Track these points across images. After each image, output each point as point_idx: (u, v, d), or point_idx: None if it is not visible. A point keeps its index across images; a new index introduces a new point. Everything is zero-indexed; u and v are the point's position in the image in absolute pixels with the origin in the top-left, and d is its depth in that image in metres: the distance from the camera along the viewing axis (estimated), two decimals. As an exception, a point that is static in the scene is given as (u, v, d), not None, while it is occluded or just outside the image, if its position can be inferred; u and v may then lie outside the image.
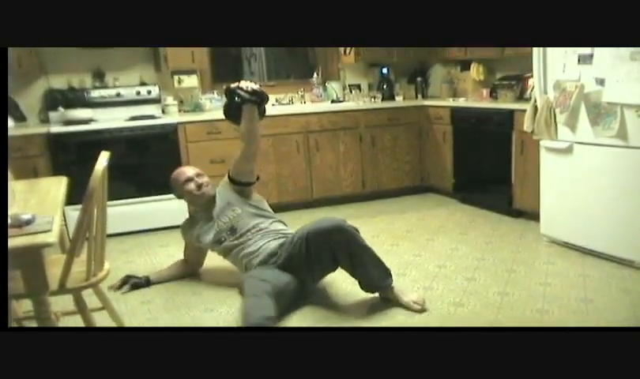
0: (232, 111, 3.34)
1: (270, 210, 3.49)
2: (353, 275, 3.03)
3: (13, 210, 2.12)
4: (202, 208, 3.42)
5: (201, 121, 4.94)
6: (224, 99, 3.45)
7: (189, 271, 3.67)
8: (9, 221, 1.98)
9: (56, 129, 4.53)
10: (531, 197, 4.35)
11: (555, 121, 3.80)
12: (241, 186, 3.40)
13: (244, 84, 3.30)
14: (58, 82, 5.01)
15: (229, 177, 3.41)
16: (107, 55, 5.10)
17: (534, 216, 4.31)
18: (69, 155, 4.45)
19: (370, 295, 3.12)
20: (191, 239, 3.49)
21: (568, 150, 3.75)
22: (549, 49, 3.78)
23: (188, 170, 3.48)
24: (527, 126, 4.05)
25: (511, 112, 4.57)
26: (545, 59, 3.82)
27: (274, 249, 3.15)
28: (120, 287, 3.47)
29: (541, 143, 3.97)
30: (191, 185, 3.38)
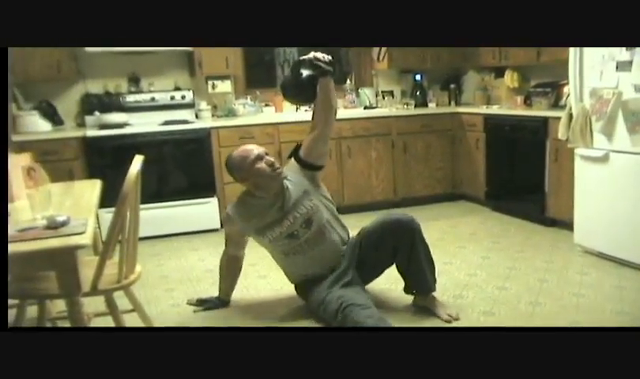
0: (303, 86, 2.90)
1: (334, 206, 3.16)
2: (405, 271, 2.97)
3: (48, 212, 2.18)
4: (271, 194, 2.90)
5: (234, 127, 4.99)
6: (291, 77, 3.02)
7: (240, 269, 3.25)
8: (46, 223, 2.03)
9: (92, 132, 4.64)
10: (565, 205, 4.26)
11: (591, 128, 3.72)
12: (313, 170, 3.00)
13: (319, 54, 2.93)
14: (95, 87, 5.13)
15: (298, 159, 2.99)
16: (142, 60, 5.20)
17: (568, 225, 4.22)
18: (104, 159, 4.55)
19: (401, 303, 3.10)
20: (245, 230, 3.01)
21: (604, 158, 3.66)
22: (586, 55, 3.71)
23: (256, 148, 2.90)
24: (562, 134, 3.98)
25: (545, 120, 4.49)
26: (582, 66, 3.74)
27: (340, 253, 2.98)
28: (195, 304, 3.24)
29: (576, 151, 3.90)
30: (263, 165, 2.83)
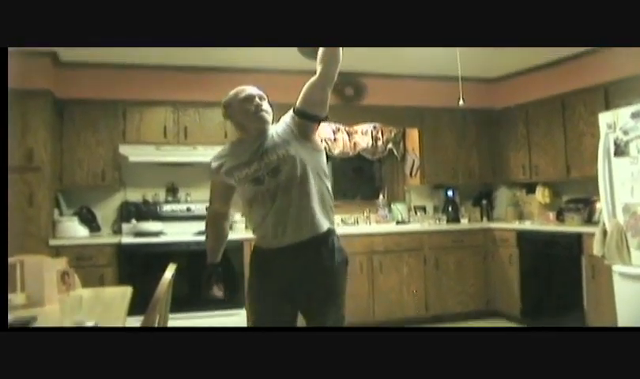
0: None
1: (326, 171, 2.73)
2: None
3: (78, 317, 2.20)
4: (251, 136, 2.67)
5: (266, 238, 5.04)
6: None
7: (225, 227, 2.98)
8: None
9: (126, 240, 4.75)
10: (607, 324, 4.08)
11: (628, 245, 3.65)
12: (307, 120, 2.67)
13: None
14: (134, 195, 5.32)
15: (294, 109, 2.70)
16: (181, 171, 5.41)
17: (610, 347, 4.02)
18: (136, 267, 4.61)
19: None
20: (220, 171, 2.72)
21: (644, 277, 3.55)
22: (615, 172, 3.72)
23: (251, 89, 2.72)
24: (597, 250, 3.90)
25: (579, 235, 4.42)
26: (612, 182, 3.74)
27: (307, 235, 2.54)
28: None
29: (614, 268, 3.80)
30: (249, 106, 2.64)
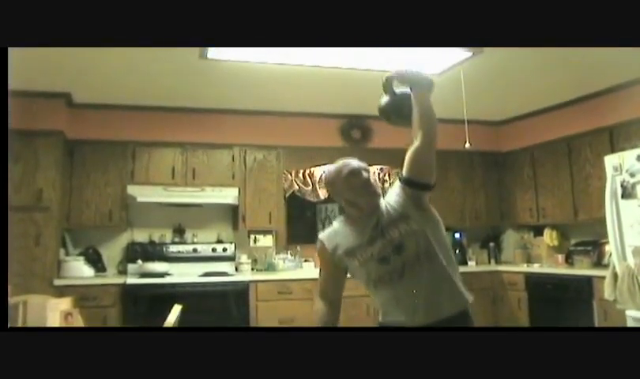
0: (399, 104, 2.64)
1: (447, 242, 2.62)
2: None
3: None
4: (364, 213, 2.57)
5: (273, 281, 5.01)
6: (387, 111, 2.75)
7: (336, 315, 2.71)
8: None
9: (132, 280, 4.73)
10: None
11: None
12: (418, 189, 2.56)
13: (407, 69, 2.61)
14: (141, 236, 5.32)
15: (402, 179, 2.58)
16: (189, 212, 5.42)
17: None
18: (140, 307, 4.58)
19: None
20: (337, 253, 2.60)
21: (656, 321, 3.49)
22: (623, 215, 3.69)
23: (353, 162, 2.59)
24: (608, 294, 3.84)
25: (589, 279, 4.37)
26: (620, 224, 3.71)
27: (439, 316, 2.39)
28: None
29: (627, 313, 3.73)
30: (356, 181, 2.53)
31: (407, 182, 2.49)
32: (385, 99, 2.68)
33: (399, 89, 2.61)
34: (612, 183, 3.83)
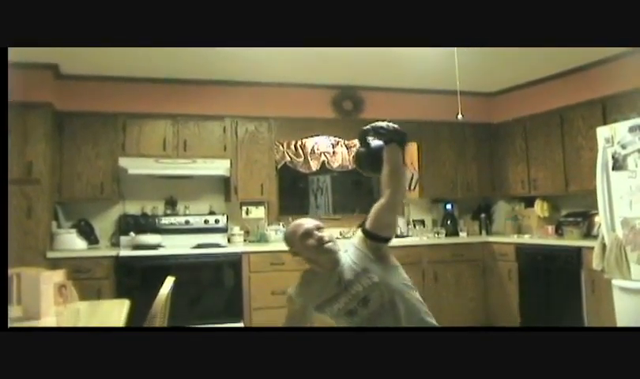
0: (371, 156, 2.81)
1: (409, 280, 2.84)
2: None
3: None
4: (326, 269, 2.79)
5: (266, 252, 5.04)
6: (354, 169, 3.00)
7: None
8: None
9: (124, 252, 4.74)
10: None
11: (627, 259, 3.64)
12: (379, 242, 2.78)
13: (384, 123, 2.85)
14: (133, 208, 5.31)
15: (365, 231, 2.80)
16: (180, 184, 5.41)
17: (610, 362, 3.99)
18: (134, 279, 4.59)
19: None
20: (305, 307, 2.86)
21: (643, 291, 3.54)
22: (613, 186, 3.72)
23: (307, 222, 2.80)
24: (596, 265, 3.89)
25: (579, 249, 4.42)
26: (610, 196, 3.74)
27: None
28: None
29: (613, 282, 3.79)
30: (311, 241, 2.73)
31: (370, 236, 2.69)
32: (360, 149, 2.84)
33: (374, 142, 2.75)
34: (604, 155, 3.85)
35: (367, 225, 2.73)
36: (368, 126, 2.81)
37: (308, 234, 2.69)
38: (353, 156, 3.00)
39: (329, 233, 2.73)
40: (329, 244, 2.68)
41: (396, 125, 2.79)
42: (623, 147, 3.68)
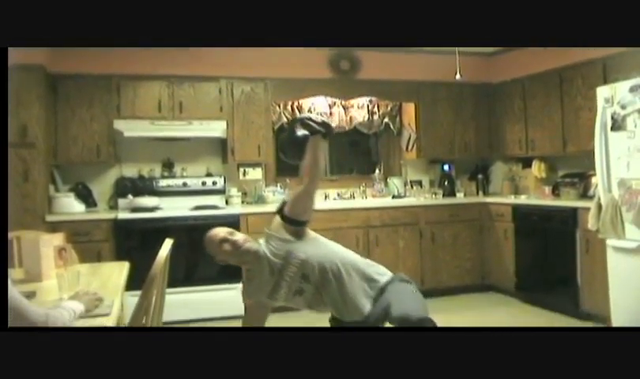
0: (296, 144, 3.03)
1: (332, 244, 3.10)
2: None
3: (76, 292, 2.21)
4: (254, 265, 3.00)
5: (264, 213, 5.05)
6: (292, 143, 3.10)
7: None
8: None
9: (123, 215, 4.75)
10: (600, 298, 4.12)
11: (622, 219, 3.67)
12: (298, 226, 3.02)
13: (314, 115, 3.11)
14: (130, 171, 5.29)
15: (283, 216, 3.03)
16: (177, 146, 5.38)
17: (604, 320, 4.06)
18: (133, 241, 4.62)
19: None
20: (260, 299, 3.05)
21: (638, 250, 3.58)
22: (611, 147, 3.72)
23: (219, 232, 3.00)
24: (591, 225, 3.92)
25: (575, 210, 4.44)
26: (608, 157, 3.74)
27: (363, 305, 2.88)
28: None
29: (607, 242, 3.82)
30: (227, 246, 2.92)
31: (288, 221, 2.95)
32: (286, 136, 3.10)
33: (300, 131, 2.97)
34: (603, 115, 3.83)
35: (287, 211, 2.96)
36: (298, 117, 3.08)
37: (223, 241, 2.89)
38: (279, 142, 3.30)
39: (242, 235, 2.94)
40: (246, 245, 2.89)
41: (324, 118, 3.08)
42: (623, 107, 3.66)
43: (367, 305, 2.87)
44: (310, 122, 2.99)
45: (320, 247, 3.01)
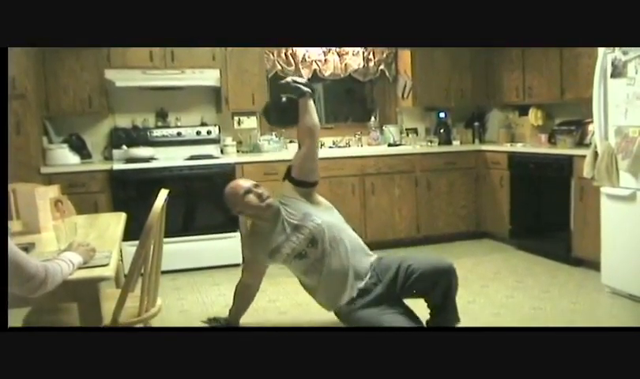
0: (288, 110, 3.06)
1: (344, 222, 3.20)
2: (432, 307, 2.91)
3: (69, 243, 2.21)
4: (269, 221, 3.04)
5: (259, 162, 5.05)
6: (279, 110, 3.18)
7: (253, 297, 3.34)
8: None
9: (118, 166, 4.73)
10: (591, 244, 4.18)
11: (617, 167, 3.67)
12: (308, 188, 3.10)
13: (297, 78, 3.16)
14: (124, 121, 5.24)
15: (293, 180, 3.11)
16: (170, 96, 5.31)
17: (595, 265, 4.13)
18: (129, 192, 4.62)
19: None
20: (259, 255, 3.14)
21: (631, 197, 3.60)
22: (610, 94, 3.69)
23: (244, 183, 3.08)
24: (587, 172, 3.93)
25: (570, 158, 4.45)
26: (606, 104, 3.72)
27: (366, 268, 2.99)
28: (206, 322, 3.39)
29: (602, 190, 3.84)
30: (252, 197, 2.99)
31: (297, 183, 3.05)
32: (269, 101, 3.23)
33: (285, 95, 3.05)
34: (603, 60, 3.77)
35: (295, 175, 3.06)
36: (285, 81, 3.12)
37: (249, 191, 2.99)
38: (263, 108, 3.36)
39: (262, 189, 3.03)
40: (269, 200, 2.99)
41: (303, 80, 3.15)
42: (625, 52, 3.60)
43: (367, 273, 2.95)
44: (299, 85, 3.05)
45: (335, 218, 3.09)
